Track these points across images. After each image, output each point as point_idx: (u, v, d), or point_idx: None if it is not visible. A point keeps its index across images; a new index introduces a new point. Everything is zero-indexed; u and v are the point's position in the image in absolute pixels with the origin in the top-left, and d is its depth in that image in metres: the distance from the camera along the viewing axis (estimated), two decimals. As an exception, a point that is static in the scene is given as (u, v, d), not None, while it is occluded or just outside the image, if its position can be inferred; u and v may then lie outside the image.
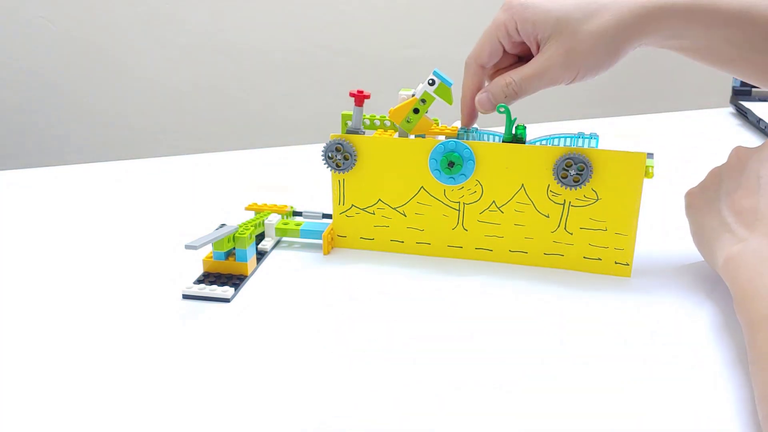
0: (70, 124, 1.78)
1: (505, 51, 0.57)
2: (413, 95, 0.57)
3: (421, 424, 0.40)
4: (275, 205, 0.64)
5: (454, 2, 1.82)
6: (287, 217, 0.64)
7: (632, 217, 0.55)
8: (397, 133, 0.60)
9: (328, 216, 0.63)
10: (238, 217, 0.64)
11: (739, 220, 0.49)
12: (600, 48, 0.53)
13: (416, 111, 0.57)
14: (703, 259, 0.55)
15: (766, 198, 0.48)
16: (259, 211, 0.64)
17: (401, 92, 0.58)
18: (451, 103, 0.57)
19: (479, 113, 0.58)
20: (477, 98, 0.57)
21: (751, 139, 0.93)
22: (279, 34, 1.79)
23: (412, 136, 0.59)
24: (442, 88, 0.56)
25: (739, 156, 0.53)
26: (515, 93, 0.55)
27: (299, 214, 0.65)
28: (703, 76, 1.99)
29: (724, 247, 0.50)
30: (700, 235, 0.54)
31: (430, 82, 0.56)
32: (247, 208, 0.65)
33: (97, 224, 0.68)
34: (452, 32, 1.82)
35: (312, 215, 0.64)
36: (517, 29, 0.55)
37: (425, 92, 0.57)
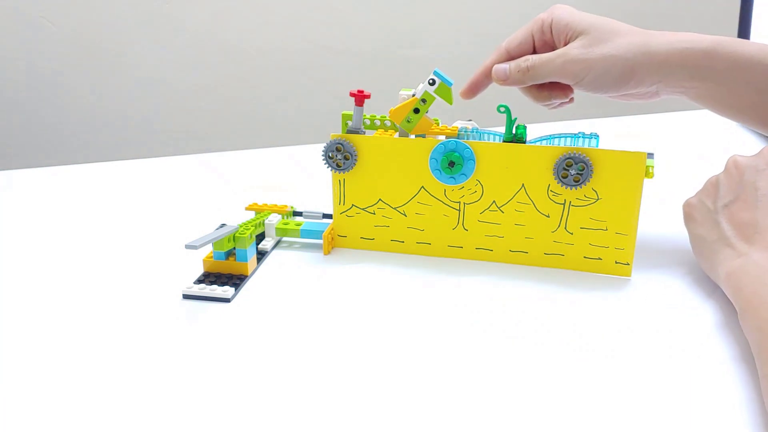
0: (70, 124, 1.78)
1: (534, 47, 0.59)
2: (413, 95, 0.57)
3: (422, 424, 0.40)
4: (275, 205, 0.64)
5: (454, 2, 1.82)
6: (287, 217, 0.64)
7: (632, 217, 0.55)
8: (397, 133, 0.60)
9: (329, 216, 0.63)
10: (238, 217, 0.64)
11: (738, 234, 0.49)
12: (616, 61, 0.55)
13: (416, 111, 0.57)
14: (703, 259, 0.55)
15: (765, 210, 0.48)
16: (260, 211, 0.64)
17: (402, 92, 0.58)
18: (451, 103, 0.57)
19: (478, 93, 0.61)
20: (494, 67, 0.59)
21: (750, 140, 0.93)
22: (279, 34, 1.79)
23: (413, 136, 0.59)
24: (443, 88, 0.56)
25: (737, 165, 0.52)
26: (527, 69, 0.57)
27: (299, 214, 0.65)
28: (703, 76, 1.99)
29: (725, 261, 0.50)
30: (700, 248, 0.54)
31: (431, 81, 0.56)
32: (247, 208, 0.65)
33: (97, 224, 0.68)
34: (452, 32, 1.82)
35: (312, 215, 0.64)
36: (551, 27, 0.58)
37: (426, 92, 0.57)
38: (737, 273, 0.47)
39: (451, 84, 0.56)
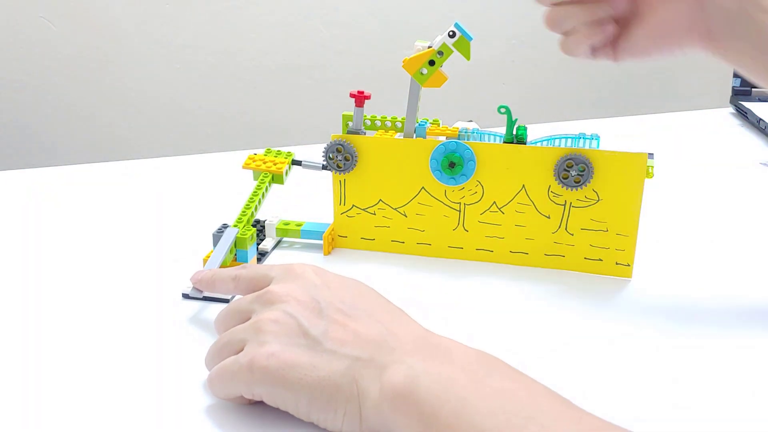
0: (70, 124, 1.78)
1: None
2: (430, 47, 0.55)
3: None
4: (274, 153, 0.62)
5: (453, 2, 1.82)
6: (288, 169, 0.62)
7: (633, 218, 0.55)
8: (398, 134, 0.60)
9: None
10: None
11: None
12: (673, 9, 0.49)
13: (432, 63, 0.55)
14: (703, 259, 0.55)
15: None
16: (257, 168, 0.61)
17: (417, 43, 0.56)
18: (468, 59, 0.54)
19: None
20: None
21: (751, 140, 0.93)
22: (279, 35, 1.79)
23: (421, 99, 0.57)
24: (462, 42, 0.53)
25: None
26: None
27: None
28: (703, 76, 2.00)
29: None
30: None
31: (450, 34, 0.53)
32: (244, 167, 0.62)
33: (97, 224, 0.68)
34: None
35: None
36: None
37: (443, 44, 0.54)
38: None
39: (471, 39, 0.53)
